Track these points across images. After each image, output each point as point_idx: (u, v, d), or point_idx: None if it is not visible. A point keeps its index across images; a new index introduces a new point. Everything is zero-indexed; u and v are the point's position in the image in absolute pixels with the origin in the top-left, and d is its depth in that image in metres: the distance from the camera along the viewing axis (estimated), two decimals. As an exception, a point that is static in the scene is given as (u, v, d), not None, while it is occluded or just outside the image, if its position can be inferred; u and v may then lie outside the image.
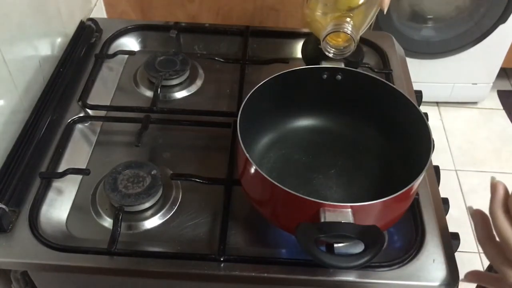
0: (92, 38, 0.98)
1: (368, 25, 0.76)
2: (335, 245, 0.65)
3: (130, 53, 0.96)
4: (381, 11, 0.75)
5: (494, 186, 0.52)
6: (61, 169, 0.75)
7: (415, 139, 0.69)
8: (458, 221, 1.64)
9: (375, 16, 0.76)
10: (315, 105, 0.80)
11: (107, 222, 0.70)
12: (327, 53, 0.75)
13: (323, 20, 0.75)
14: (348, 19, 0.72)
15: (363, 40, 0.98)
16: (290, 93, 0.77)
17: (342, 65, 0.77)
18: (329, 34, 0.72)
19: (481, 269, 1.51)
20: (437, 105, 2.06)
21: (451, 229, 0.70)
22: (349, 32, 0.71)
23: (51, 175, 0.73)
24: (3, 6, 0.74)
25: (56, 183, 0.74)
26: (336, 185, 0.74)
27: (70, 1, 0.97)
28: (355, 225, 0.56)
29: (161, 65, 0.91)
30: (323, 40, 0.73)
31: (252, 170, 0.62)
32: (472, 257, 1.56)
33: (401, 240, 0.69)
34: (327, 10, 0.75)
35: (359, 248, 0.56)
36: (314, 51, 0.81)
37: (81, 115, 0.84)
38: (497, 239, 0.52)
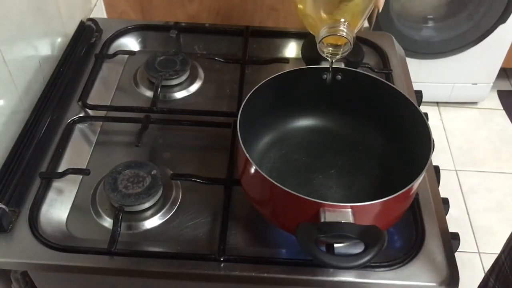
0: (92, 38, 0.98)
1: (364, 20, 0.76)
2: (335, 245, 0.65)
3: (130, 53, 0.96)
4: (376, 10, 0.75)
5: None
6: (61, 169, 0.75)
7: (415, 139, 0.69)
8: (458, 221, 1.64)
9: (369, 12, 0.75)
10: (315, 105, 0.80)
11: (107, 222, 0.70)
12: (323, 55, 0.75)
13: (316, 14, 0.74)
14: (342, 20, 0.72)
15: (363, 40, 0.98)
16: (290, 93, 0.77)
17: (342, 65, 0.77)
18: (324, 38, 0.72)
19: (481, 269, 1.52)
20: (437, 105, 2.06)
21: (451, 229, 0.70)
22: (344, 35, 0.71)
23: (51, 175, 0.73)
24: (3, 6, 0.74)
25: (56, 183, 0.74)
26: (336, 185, 0.74)
27: (70, 1, 0.97)
28: (355, 225, 0.56)
29: (161, 65, 0.91)
30: (318, 43, 0.73)
31: (252, 170, 0.62)
32: (472, 257, 1.56)
33: (401, 240, 0.69)
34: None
35: (359, 248, 0.56)
36: (314, 51, 0.81)
37: (81, 115, 0.84)
38: None
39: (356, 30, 0.74)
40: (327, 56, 0.74)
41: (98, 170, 0.76)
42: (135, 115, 0.83)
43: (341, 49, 0.74)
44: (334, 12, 0.72)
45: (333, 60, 0.74)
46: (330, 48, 0.74)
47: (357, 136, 0.79)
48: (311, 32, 0.76)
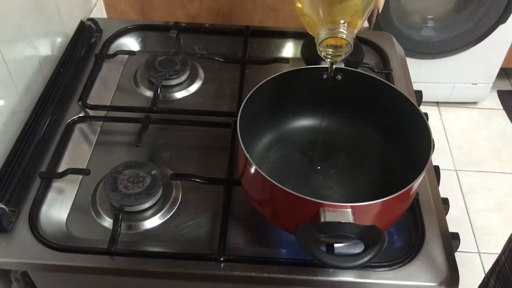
0: (92, 38, 0.98)
1: (364, 21, 0.75)
2: (335, 245, 0.65)
3: (130, 53, 0.96)
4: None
5: None
6: (61, 169, 0.75)
7: (415, 139, 0.69)
8: (458, 221, 1.64)
9: (369, 13, 0.75)
10: (315, 105, 0.80)
11: (107, 222, 0.70)
12: (322, 56, 0.75)
13: (314, 14, 0.74)
14: (342, 21, 0.71)
15: (363, 40, 0.98)
16: (290, 93, 0.77)
17: (342, 65, 0.77)
18: (324, 40, 0.72)
19: (481, 269, 1.52)
20: (437, 105, 2.06)
21: (451, 229, 0.70)
22: (344, 36, 0.70)
23: (51, 175, 0.73)
24: (3, 6, 0.74)
25: (56, 183, 0.74)
26: (336, 185, 0.74)
27: (70, 1, 0.97)
28: (355, 225, 0.56)
29: (161, 65, 0.91)
30: (318, 45, 0.73)
31: (252, 170, 0.62)
32: (472, 257, 1.56)
33: (401, 240, 0.69)
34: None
35: (359, 248, 0.56)
36: (314, 51, 0.81)
37: (81, 115, 0.84)
38: None
39: (356, 31, 0.74)
40: (326, 57, 0.74)
41: (98, 170, 0.76)
42: (135, 115, 0.83)
43: (341, 51, 0.73)
44: (333, 12, 0.72)
45: (334, 65, 0.74)
46: (330, 50, 0.74)
47: (357, 136, 0.79)
48: (309, 32, 0.76)
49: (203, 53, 1.01)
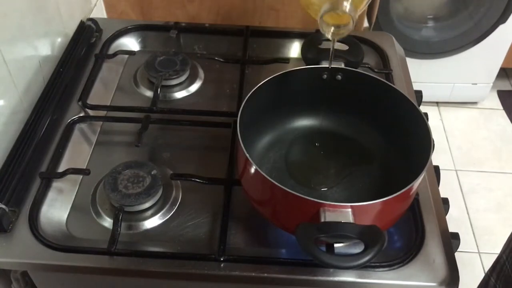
0: (92, 38, 0.98)
1: (366, 4, 0.74)
2: (335, 245, 0.65)
3: (130, 53, 0.96)
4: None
5: None
6: (61, 169, 0.75)
7: (415, 139, 0.69)
8: (458, 221, 1.64)
9: None
10: (315, 105, 0.80)
11: (107, 222, 0.70)
12: (323, 32, 0.72)
13: (319, 1, 0.73)
14: None
15: (363, 40, 0.98)
16: (290, 93, 0.77)
17: (342, 65, 0.77)
18: (326, 12, 0.68)
19: (481, 269, 1.52)
20: (437, 105, 2.06)
21: (451, 229, 0.70)
22: (347, 10, 0.67)
23: (51, 175, 0.73)
24: (3, 6, 0.74)
25: (56, 183, 0.74)
26: (336, 185, 0.74)
27: (70, 1, 0.97)
28: (355, 225, 0.56)
29: (161, 65, 0.91)
30: (320, 18, 0.70)
31: (252, 170, 0.62)
32: (472, 257, 1.56)
33: (401, 240, 0.69)
34: None
35: (359, 248, 0.56)
36: (314, 51, 0.81)
37: (81, 115, 0.84)
38: None
39: (359, 12, 0.72)
40: (326, 33, 0.71)
41: (98, 170, 0.76)
42: (135, 115, 0.83)
43: (343, 30, 0.71)
44: None
45: (335, 39, 0.72)
46: (332, 28, 0.72)
47: (357, 136, 0.79)
48: (315, 18, 0.74)
49: (203, 53, 1.01)
